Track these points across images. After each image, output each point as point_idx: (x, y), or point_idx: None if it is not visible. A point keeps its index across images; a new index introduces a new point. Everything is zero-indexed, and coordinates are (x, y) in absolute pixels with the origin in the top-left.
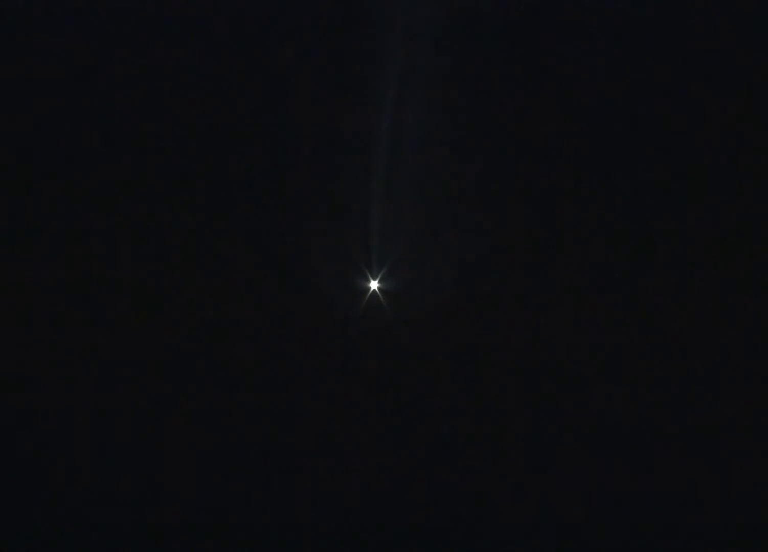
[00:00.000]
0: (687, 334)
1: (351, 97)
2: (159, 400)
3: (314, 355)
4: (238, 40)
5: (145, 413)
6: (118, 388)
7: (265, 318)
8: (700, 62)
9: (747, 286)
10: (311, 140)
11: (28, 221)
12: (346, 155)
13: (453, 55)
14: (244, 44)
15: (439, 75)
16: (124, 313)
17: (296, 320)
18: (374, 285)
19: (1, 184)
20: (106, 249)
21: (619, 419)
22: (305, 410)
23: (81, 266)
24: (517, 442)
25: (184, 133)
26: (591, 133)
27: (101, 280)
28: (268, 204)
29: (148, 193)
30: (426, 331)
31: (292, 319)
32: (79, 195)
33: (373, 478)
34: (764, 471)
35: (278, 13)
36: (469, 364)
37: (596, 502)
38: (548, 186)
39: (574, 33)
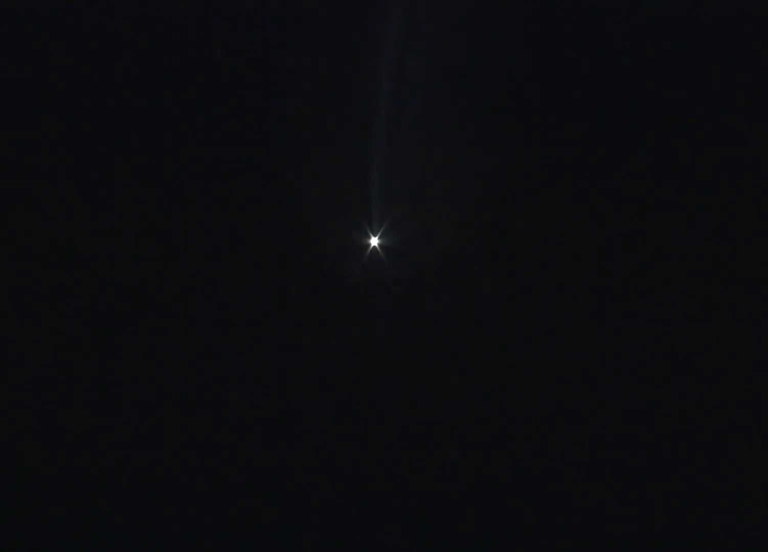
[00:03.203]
0: (686, 334)
1: (355, 54)
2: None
3: (314, 314)
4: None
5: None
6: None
7: (264, 275)
8: (706, 62)
9: (747, 286)
10: (310, 97)
11: (27, 221)
12: (348, 110)
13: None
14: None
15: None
16: (125, 276)
17: (296, 278)
18: (374, 241)
19: (2, 183)
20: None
21: (618, 412)
22: (305, 370)
23: (81, 263)
24: (518, 411)
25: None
26: (595, 126)
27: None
28: (267, 159)
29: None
30: (426, 290)
31: (292, 277)
32: (76, 194)
33: (375, 450)
34: (764, 471)
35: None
36: (470, 323)
37: (596, 500)
38: (555, 146)
39: (578, 30)
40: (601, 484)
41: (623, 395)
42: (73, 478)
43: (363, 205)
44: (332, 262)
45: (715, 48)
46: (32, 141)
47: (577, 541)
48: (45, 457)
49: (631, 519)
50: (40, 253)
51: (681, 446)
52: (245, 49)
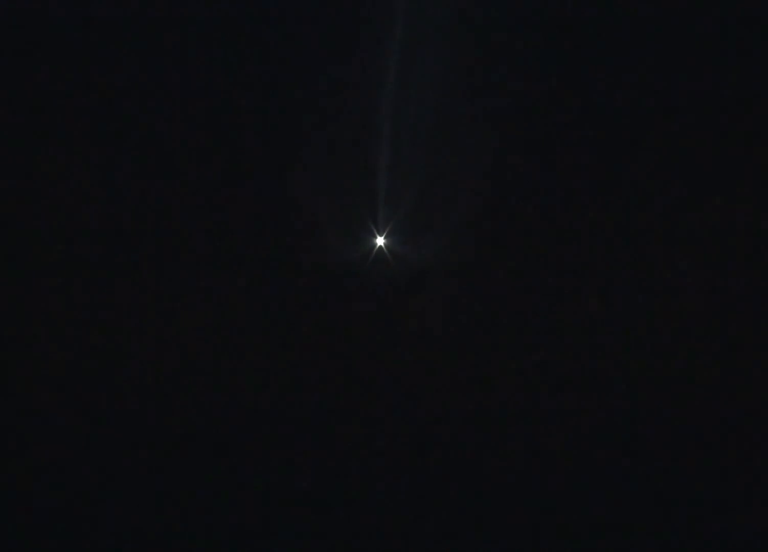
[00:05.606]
0: (686, 333)
1: (359, 51)
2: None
3: (318, 314)
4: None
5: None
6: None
7: (268, 275)
8: (712, 61)
9: (746, 286)
10: (316, 93)
11: (27, 221)
12: (353, 108)
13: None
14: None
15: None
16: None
17: (300, 278)
18: (380, 241)
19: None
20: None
21: (618, 415)
22: (308, 370)
23: (80, 263)
24: (522, 410)
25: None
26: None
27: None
28: (273, 158)
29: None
30: (433, 289)
31: (296, 277)
32: (75, 193)
33: (377, 452)
34: (764, 471)
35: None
36: (477, 323)
37: (595, 502)
38: (561, 144)
39: (581, 32)
40: (601, 484)
41: (625, 397)
42: (71, 478)
43: (369, 205)
44: (338, 261)
45: (716, 48)
46: (31, 140)
47: (577, 541)
48: (43, 457)
49: (630, 519)
50: (38, 252)
51: (680, 446)
52: (249, 49)
